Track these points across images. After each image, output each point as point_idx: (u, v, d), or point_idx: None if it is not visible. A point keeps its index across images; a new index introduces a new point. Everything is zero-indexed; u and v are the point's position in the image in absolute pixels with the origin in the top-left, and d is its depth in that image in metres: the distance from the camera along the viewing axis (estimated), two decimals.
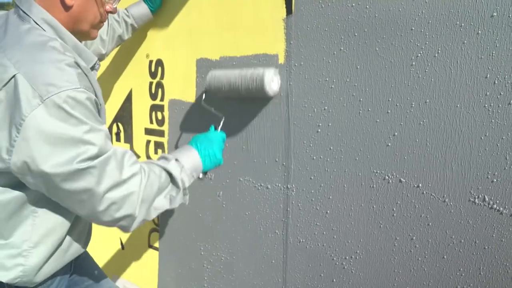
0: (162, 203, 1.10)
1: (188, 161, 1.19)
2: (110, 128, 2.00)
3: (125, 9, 1.60)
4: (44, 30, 1.01)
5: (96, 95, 1.02)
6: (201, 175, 1.24)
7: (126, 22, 1.59)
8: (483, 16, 0.96)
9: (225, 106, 1.43)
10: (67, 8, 1.03)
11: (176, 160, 1.16)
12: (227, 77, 1.32)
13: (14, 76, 0.90)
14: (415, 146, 1.09)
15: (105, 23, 1.55)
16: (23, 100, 0.88)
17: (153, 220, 1.84)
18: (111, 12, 1.15)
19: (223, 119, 1.36)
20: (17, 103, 0.88)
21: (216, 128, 1.36)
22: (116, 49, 1.83)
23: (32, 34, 0.99)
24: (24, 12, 1.01)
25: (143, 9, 1.61)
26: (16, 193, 0.98)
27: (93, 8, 1.09)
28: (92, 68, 1.14)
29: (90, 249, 1.29)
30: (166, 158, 1.17)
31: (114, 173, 0.98)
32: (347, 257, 1.26)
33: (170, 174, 1.13)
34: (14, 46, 0.96)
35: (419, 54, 1.06)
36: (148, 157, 1.81)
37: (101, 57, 1.59)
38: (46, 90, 0.89)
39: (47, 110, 0.89)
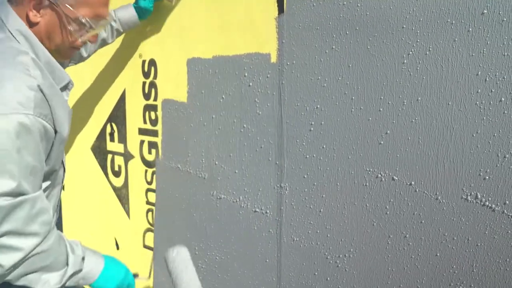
0: (35, 279, 0.99)
1: (88, 269, 1.10)
2: (104, 128, 1.99)
3: (113, 11, 1.56)
4: (19, 42, 0.99)
5: (54, 123, 0.98)
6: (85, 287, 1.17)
7: (111, 27, 1.56)
8: (473, 14, 0.96)
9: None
10: (32, 24, 1.01)
11: (83, 259, 1.09)
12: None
13: None
14: (407, 144, 1.09)
15: None
16: None
17: (148, 220, 1.84)
18: (80, 46, 1.12)
19: (144, 279, 1.38)
20: None
21: (134, 277, 1.29)
22: (110, 49, 1.82)
23: (3, 45, 0.96)
24: (1, 20, 0.98)
25: (130, 15, 1.56)
26: None
27: (58, 31, 1.05)
28: (64, 88, 1.11)
29: None
30: (76, 254, 1.08)
31: (19, 222, 0.91)
32: (340, 256, 1.26)
33: (66, 264, 1.05)
34: None
35: (411, 52, 1.06)
36: (143, 157, 1.81)
37: (80, 59, 1.56)
38: None
39: None
